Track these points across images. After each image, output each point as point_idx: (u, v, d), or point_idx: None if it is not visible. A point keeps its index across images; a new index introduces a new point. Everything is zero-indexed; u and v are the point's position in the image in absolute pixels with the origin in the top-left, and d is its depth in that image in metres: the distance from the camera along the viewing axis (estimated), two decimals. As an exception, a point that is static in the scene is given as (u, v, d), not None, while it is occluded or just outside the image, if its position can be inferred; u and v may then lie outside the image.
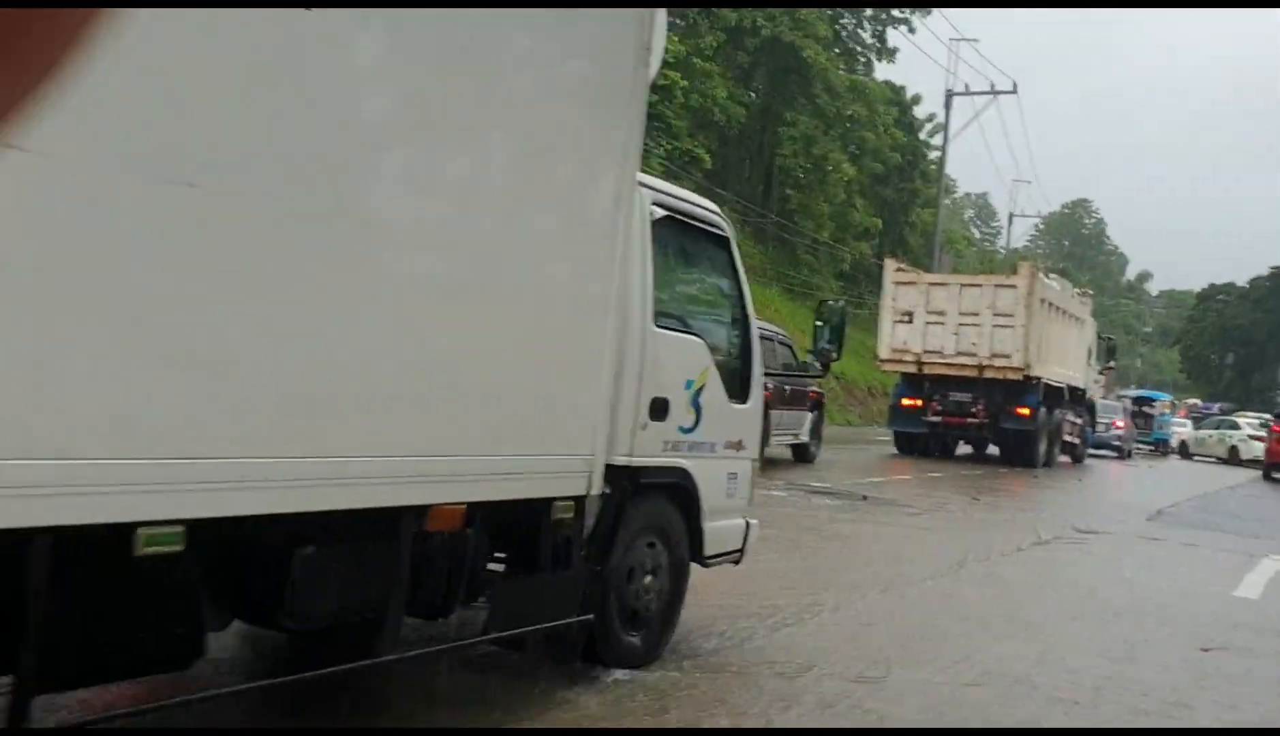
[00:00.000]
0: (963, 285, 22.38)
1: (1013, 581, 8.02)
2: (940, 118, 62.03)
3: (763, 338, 15.13)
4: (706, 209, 5.69)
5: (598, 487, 4.62)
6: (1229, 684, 5.64)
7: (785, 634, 5.92)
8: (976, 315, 21.63)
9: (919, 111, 57.41)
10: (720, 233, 5.72)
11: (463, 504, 3.99)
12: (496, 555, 4.54)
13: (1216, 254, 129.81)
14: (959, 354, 21.79)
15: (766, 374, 14.38)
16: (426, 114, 3.49)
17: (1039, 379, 21.70)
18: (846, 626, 6.21)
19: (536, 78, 3.98)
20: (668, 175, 35.99)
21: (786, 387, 15.37)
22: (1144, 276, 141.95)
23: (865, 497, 12.30)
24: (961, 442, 23.60)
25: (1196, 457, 36.52)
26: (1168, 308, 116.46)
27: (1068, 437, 25.27)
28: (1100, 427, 31.29)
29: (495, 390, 4.03)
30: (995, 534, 10.43)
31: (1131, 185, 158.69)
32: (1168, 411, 43.73)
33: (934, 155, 63.91)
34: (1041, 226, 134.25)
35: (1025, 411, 21.44)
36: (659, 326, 5.05)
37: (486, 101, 3.72)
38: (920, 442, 22.59)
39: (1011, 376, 21.31)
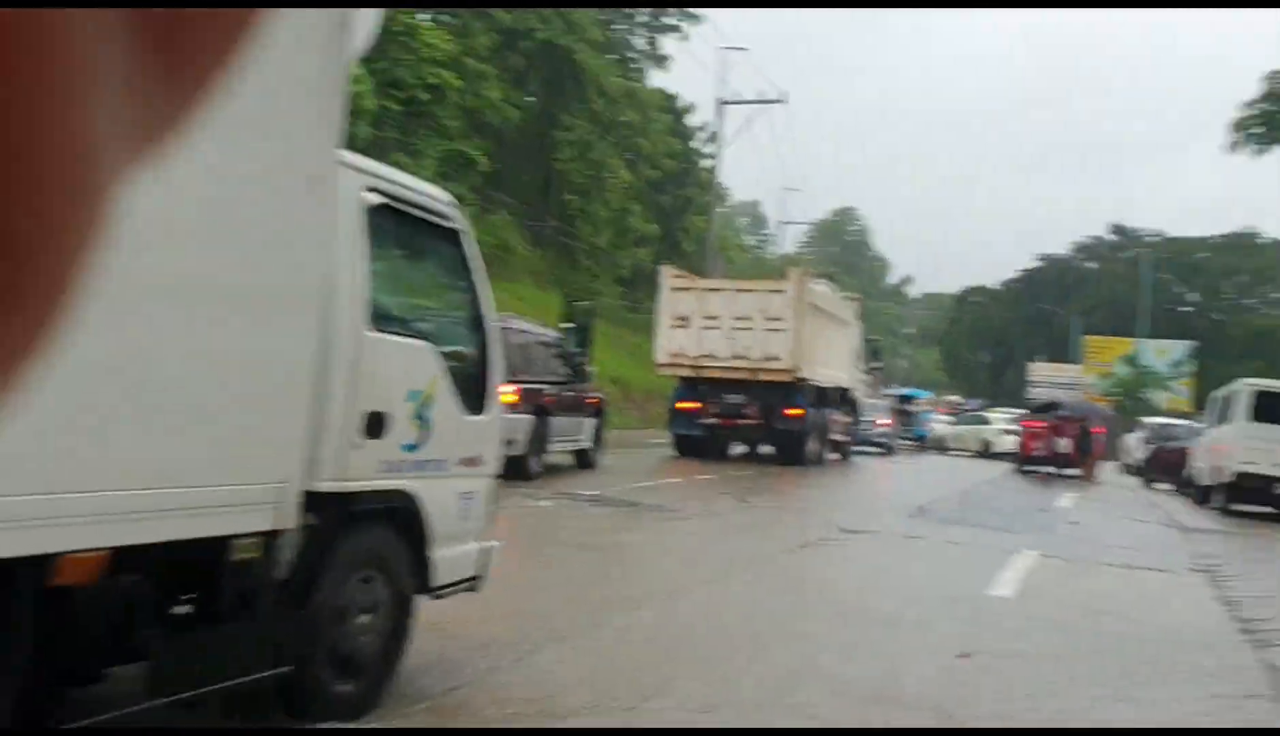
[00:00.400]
0: (736, 291, 22.69)
1: (778, 587, 7.79)
2: (714, 126, 63.94)
3: (541, 344, 14.79)
4: (434, 198, 5.09)
5: (292, 520, 3.95)
6: (991, 695, 5.48)
7: (531, 664, 5.38)
8: (749, 319, 21.94)
9: (693, 120, 58.36)
10: (451, 225, 5.13)
11: (103, 550, 3.26)
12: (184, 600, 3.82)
13: (973, 258, 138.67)
14: (733, 357, 22.05)
15: (547, 381, 14.20)
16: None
17: (808, 381, 22.18)
18: (602, 650, 5.75)
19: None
20: (440, 178, 35.06)
21: (566, 393, 15.28)
22: (906, 280, 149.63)
23: (634, 503, 11.96)
24: (739, 443, 23.78)
25: (952, 452, 38.13)
26: (928, 310, 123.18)
27: (836, 436, 25.93)
28: (866, 426, 32.44)
29: (150, 409, 3.31)
30: (763, 537, 10.27)
31: (893, 193, 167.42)
32: (928, 408, 45.83)
33: (707, 163, 65.49)
34: (811, 234, 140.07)
35: (796, 412, 21.86)
36: (377, 330, 4.44)
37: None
38: (698, 444, 22.67)
39: (782, 378, 21.72)
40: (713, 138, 63.69)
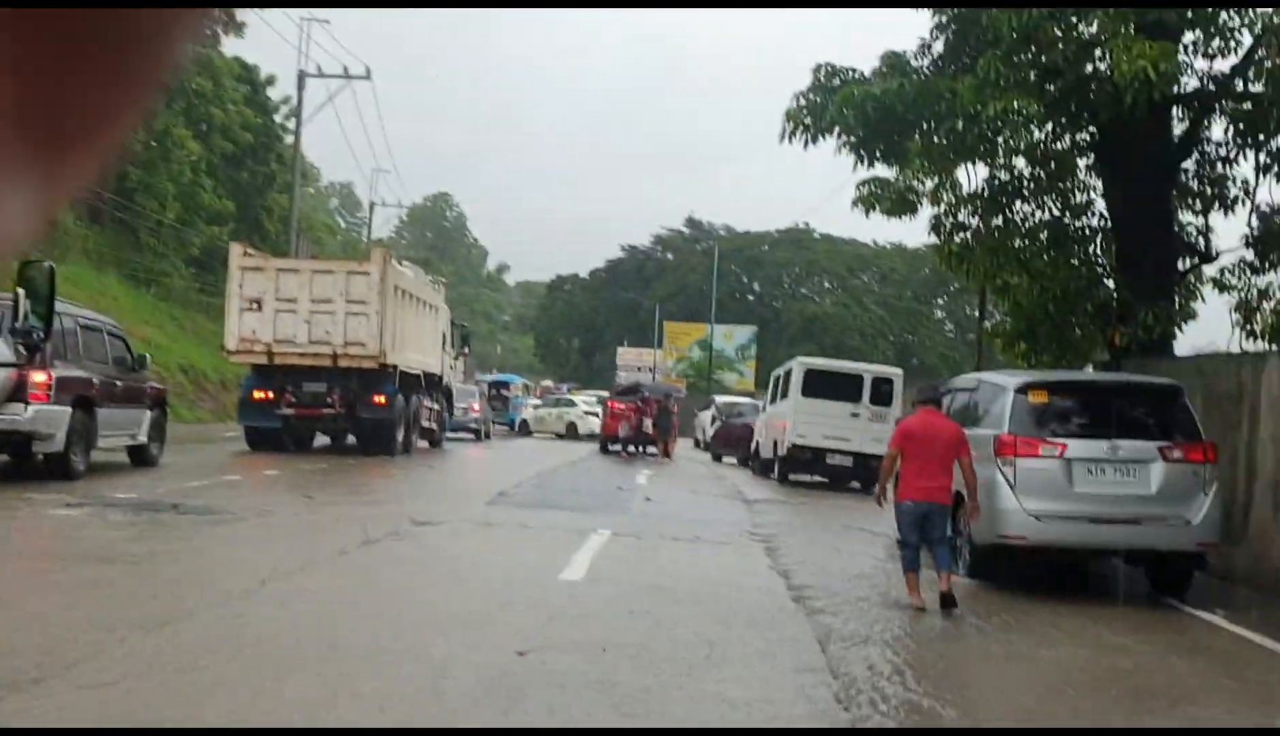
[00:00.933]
0: (314, 271, 21.33)
1: (321, 596, 6.96)
2: (296, 101, 60.76)
3: (89, 328, 13.26)
4: None
5: None
6: (547, 694, 5.04)
7: (21, 703, 4.26)
8: (330, 302, 20.76)
9: (275, 94, 55.07)
10: None
11: None
12: None
13: (569, 248, 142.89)
14: (312, 343, 20.77)
15: (93, 370, 12.78)
16: None
17: (395, 367, 21.40)
18: (111, 680, 4.69)
19: None
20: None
21: (118, 383, 14.11)
22: (503, 268, 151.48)
23: (176, 506, 10.58)
24: (323, 435, 22.54)
25: (537, 434, 38.78)
26: (524, 297, 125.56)
27: (426, 424, 25.30)
28: (458, 412, 32.12)
29: None
30: (319, 538, 9.37)
31: (493, 181, 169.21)
32: (521, 393, 46.37)
33: (291, 139, 62.25)
34: (405, 218, 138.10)
35: (382, 400, 21.01)
36: None
37: None
38: (274, 438, 21.29)
39: (367, 365, 20.78)
40: (295, 113, 60.99)
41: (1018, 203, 14.76)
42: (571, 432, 37.91)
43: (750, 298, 79.57)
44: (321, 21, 42.87)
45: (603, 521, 11.29)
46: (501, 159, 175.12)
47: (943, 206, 15.68)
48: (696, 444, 34.71)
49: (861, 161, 13.78)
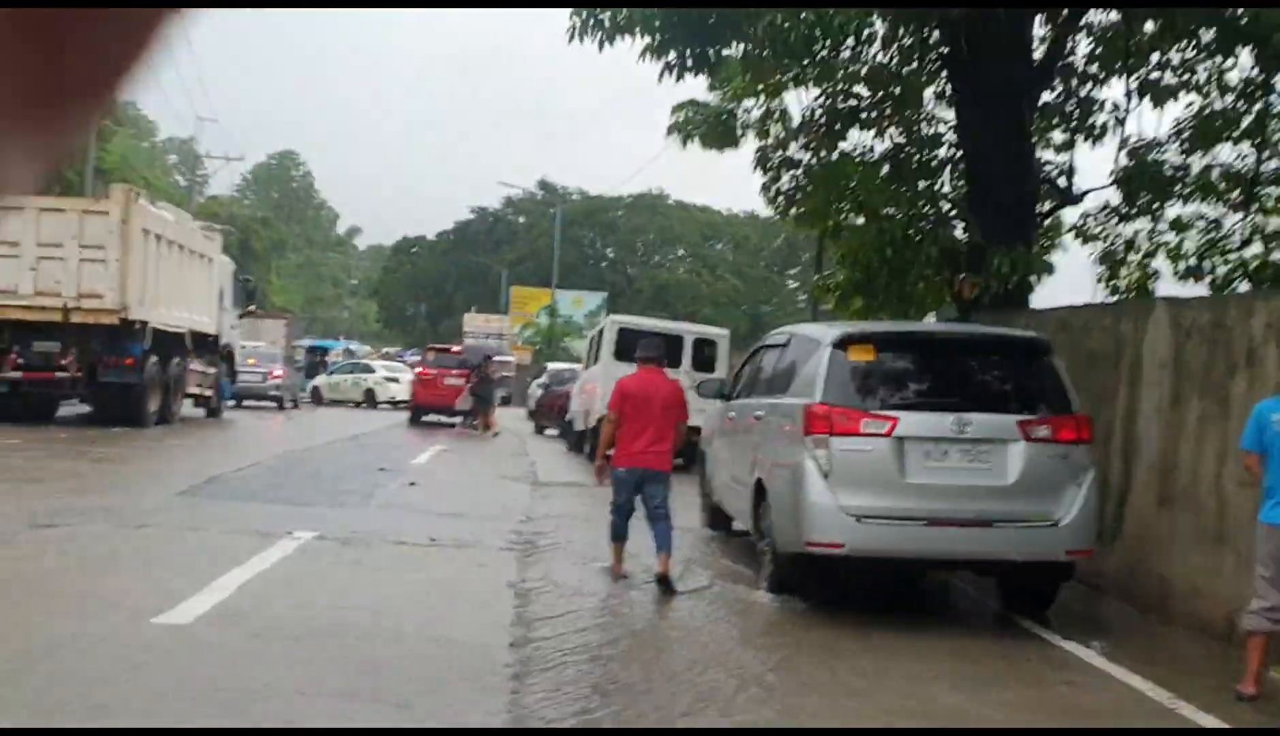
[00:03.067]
0: (42, 210, 17.65)
1: None
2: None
3: None
4: None
5: None
6: None
7: None
8: (60, 247, 17.51)
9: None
10: None
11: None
12: None
13: (422, 212, 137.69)
14: (39, 295, 17.46)
15: None
16: None
17: (145, 323, 18.18)
18: None
19: None
20: None
21: None
22: (354, 231, 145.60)
23: None
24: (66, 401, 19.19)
25: (332, 402, 35.80)
26: (374, 262, 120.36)
27: (197, 389, 22.26)
28: (255, 378, 28.89)
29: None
30: None
31: (345, 141, 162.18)
32: (339, 359, 43.32)
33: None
34: (249, 176, 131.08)
35: (129, 361, 17.88)
36: None
37: None
38: (2, 404, 17.80)
39: (106, 320, 17.51)
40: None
41: (855, 131, 12.52)
42: (369, 400, 35.26)
43: (603, 265, 77.21)
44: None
45: (316, 517, 8.54)
46: (352, 117, 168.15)
47: (770, 139, 13.37)
48: (528, 414, 32.10)
49: (670, 71, 11.26)
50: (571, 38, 10.95)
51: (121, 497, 9.07)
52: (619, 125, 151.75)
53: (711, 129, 12.77)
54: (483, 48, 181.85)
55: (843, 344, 6.77)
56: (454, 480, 12.43)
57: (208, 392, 22.86)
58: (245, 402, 29.39)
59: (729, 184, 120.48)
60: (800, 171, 13.14)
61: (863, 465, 6.42)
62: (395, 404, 33.09)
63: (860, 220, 12.11)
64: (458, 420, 25.76)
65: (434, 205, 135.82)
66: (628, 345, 15.99)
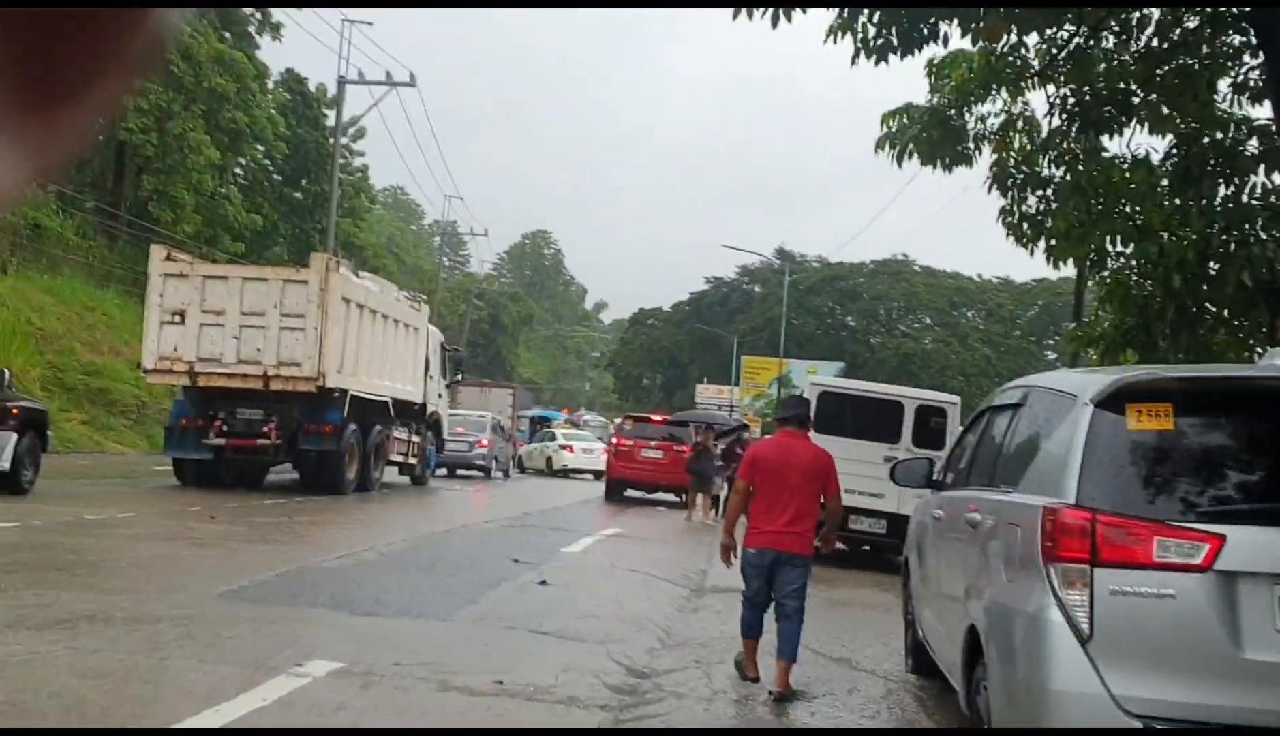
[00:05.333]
0: (245, 279, 18.01)
1: None
2: (363, 123, 57.75)
3: None
4: None
5: None
6: None
7: None
8: (262, 315, 17.49)
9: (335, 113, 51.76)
10: None
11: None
12: None
13: (663, 284, 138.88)
14: (241, 362, 17.46)
15: None
16: None
17: (345, 392, 18.02)
18: None
19: None
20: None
21: None
22: (600, 306, 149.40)
23: None
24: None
25: (529, 471, 35.62)
26: (616, 334, 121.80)
27: (400, 457, 21.95)
28: (462, 447, 28.02)
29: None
30: None
31: (592, 219, 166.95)
32: (562, 429, 42.55)
33: (359, 162, 59.24)
34: (504, 255, 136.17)
35: (327, 429, 17.75)
36: None
37: None
38: (209, 471, 17.91)
39: (304, 388, 17.33)
40: (361, 134, 57.97)
41: (1123, 132, 9.50)
42: (549, 468, 34.68)
43: (843, 334, 73.86)
44: (363, 24, 39.07)
45: (371, 637, 6.30)
46: (599, 199, 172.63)
47: (1012, 152, 10.49)
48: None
49: (867, 53, 8.65)
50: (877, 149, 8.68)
51: (158, 595, 7.18)
52: (860, 193, 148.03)
53: (932, 136, 10.01)
54: (722, 123, 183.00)
55: (1115, 401, 3.86)
56: (596, 580, 9.94)
57: (412, 461, 22.51)
58: (458, 471, 28.55)
59: (979, 249, 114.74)
60: (1050, 191, 10.17)
61: (1157, 622, 3.54)
62: (597, 475, 31.47)
63: (1133, 246, 9.02)
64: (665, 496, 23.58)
65: (674, 277, 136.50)
66: (832, 413, 13.20)
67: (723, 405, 61.55)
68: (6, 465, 13.23)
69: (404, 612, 7.18)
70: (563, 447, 35.01)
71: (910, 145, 10.18)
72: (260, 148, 45.73)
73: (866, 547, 13.94)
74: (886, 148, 10.29)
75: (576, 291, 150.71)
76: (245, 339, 17.43)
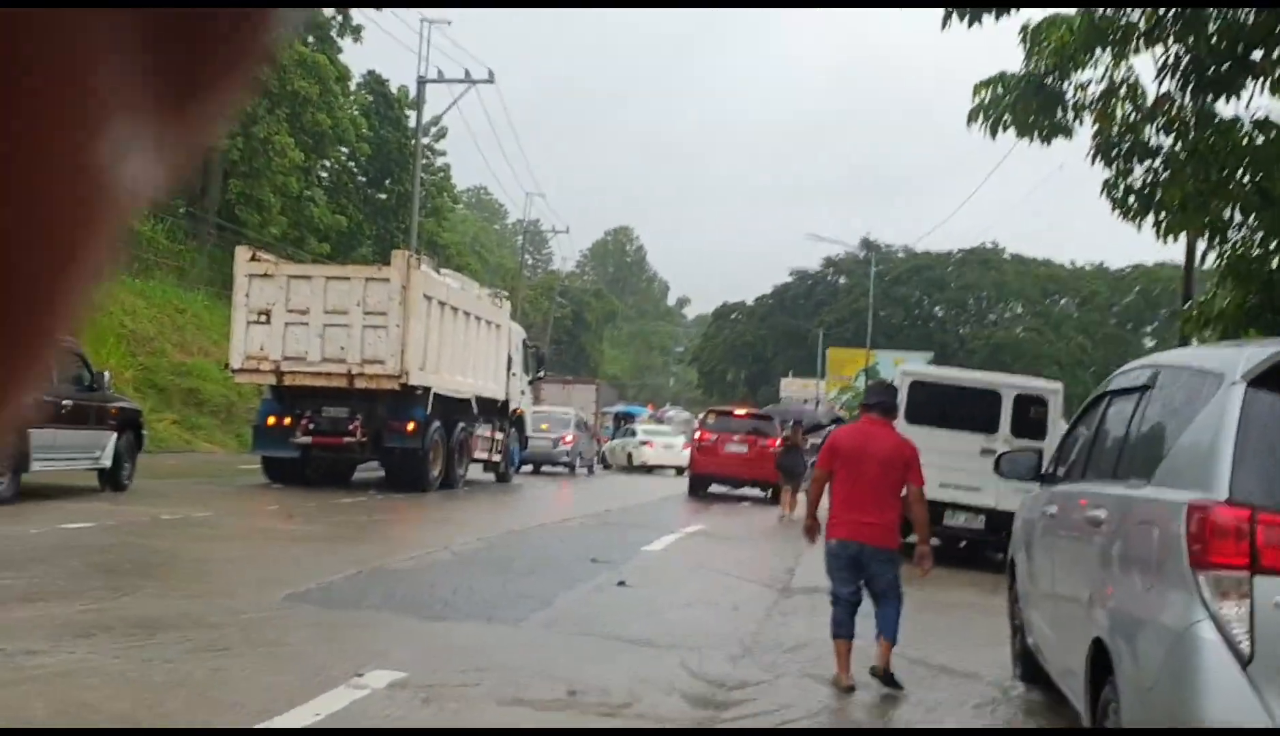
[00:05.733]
0: (328, 278, 18.23)
1: None
2: (444, 124, 58.06)
3: None
4: None
5: None
6: None
7: None
8: (345, 313, 17.60)
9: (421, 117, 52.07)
10: None
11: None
12: None
13: (748, 277, 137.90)
14: (325, 360, 17.59)
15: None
16: None
17: (428, 389, 18.03)
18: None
19: None
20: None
21: (64, 404, 13.00)
22: (683, 301, 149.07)
23: None
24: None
25: (613, 467, 35.30)
26: (699, 329, 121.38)
27: (484, 455, 21.86)
28: (546, 443, 27.84)
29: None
30: None
31: (673, 214, 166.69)
32: (645, 425, 42.11)
33: (441, 162, 59.62)
34: (586, 252, 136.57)
35: (410, 427, 17.70)
36: None
37: None
38: (296, 469, 18.05)
39: (387, 386, 17.39)
40: (444, 135, 58.32)
41: (1238, 87, 8.76)
42: (631, 464, 34.38)
43: (930, 324, 72.27)
44: (441, 23, 39.17)
45: (437, 643, 5.97)
46: (682, 194, 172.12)
47: (1116, 122, 9.78)
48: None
49: (960, 13, 8.05)
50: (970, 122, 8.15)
51: (221, 598, 6.93)
52: (951, 182, 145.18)
53: (1028, 105, 9.36)
54: (810, 115, 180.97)
55: (1273, 377, 3.33)
56: (678, 580, 9.49)
57: (496, 458, 22.46)
58: (543, 468, 28.41)
59: (1072, 235, 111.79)
60: (1159, 160, 9.45)
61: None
62: (679, 471, 31.00)
63: (1255, 216, 8.28)
64: (751, 492, 23.05)
65: (759, 271, 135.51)
66: (924, 403, 12.55)
67: (808, 399, 60.66)
68: (108, 463, 13.99)
69: (473, 616, 6.83)
70: (643, 443, 34.68)
71: (1005, 116, 9.54)
72: (344, 150, 46.23)
73: (963, 545, 13.24)
74: (980, 120, 9.67)
75: (659, 287, 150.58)
76: (329, 337, 17.54)
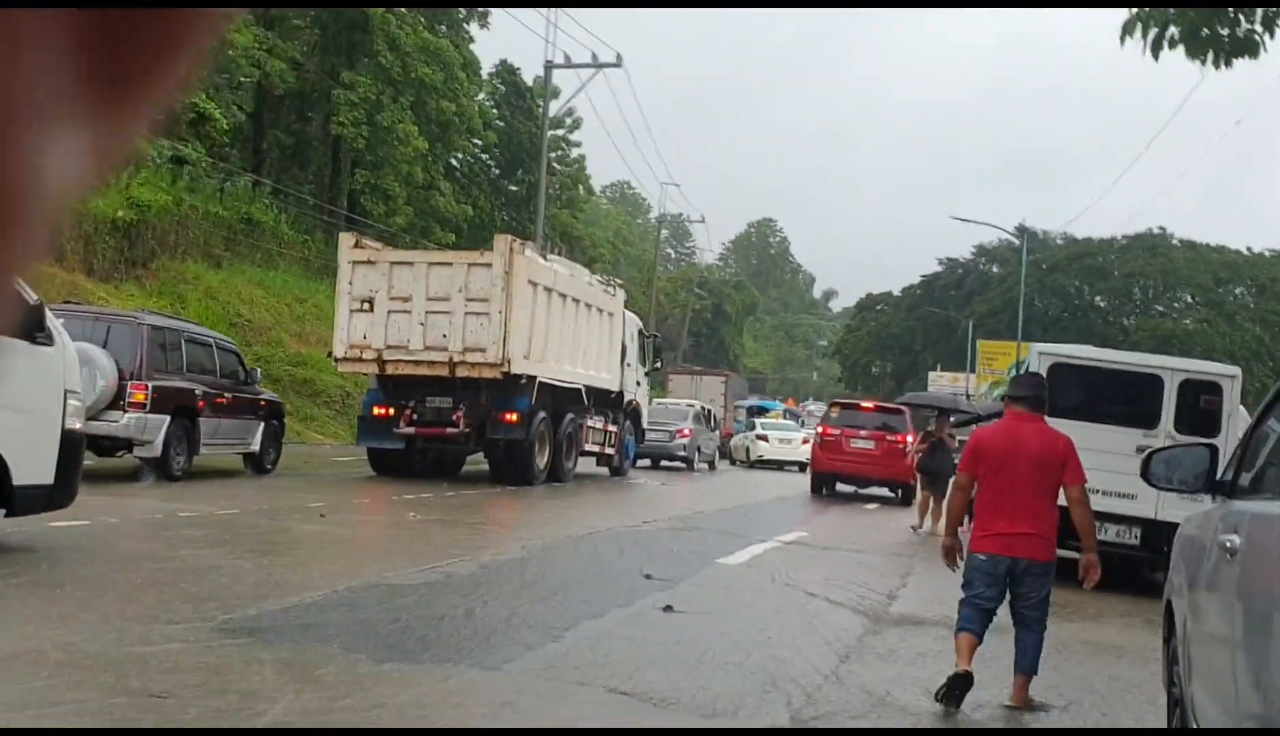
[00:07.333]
0: (430, 264, 17.66)
1: None
2: (577, 115, 57.24)
3: (196, 342, 14.53)
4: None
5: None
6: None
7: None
8: (447, 300, 17.06)
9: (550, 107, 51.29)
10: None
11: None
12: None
13: (903, 273, 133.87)
14: (427, 349, 17.07)
15: (197, 383, 13.89)
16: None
17: (532, 378, 17.36)
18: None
19: None
20: (152, 133, 27.97)
21: (225, 395, 14.69)
22: (829, 294, 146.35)
23: None
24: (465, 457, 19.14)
25: (738, 464, 33.99)
26: (843, 321, 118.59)
27: (595, 447, 21.02)
28: (662, 436, 26.45)
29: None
30: None
31: (818, 206, 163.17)
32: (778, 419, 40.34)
33: (576, 153, 58.85)
34: (729, 245, 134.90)
35: (514, 417, 17.10)
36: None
37: None
38: (401, 460, 17.64)
39: (488, 374, 16.81)
40: (578, 125, 57.56)
41: None
42: (748, 459, 33.28)
43: (1092, 315, 67.79)
44: (569, 10, 38.09)
45: (347, 698, 4.52)
46: (828, 185, 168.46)
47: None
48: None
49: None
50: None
51: (138, 627, 5.58)
52: (1112, 167, 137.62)
53: (1201, 17, 7.34)
54: (960, 103, 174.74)
55: None
56: (743, 603, 7.68)
57: (609, 451, 21.69)
58: (662, 462, 27.03)
59: (1249, 218, 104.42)
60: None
61: None
62: (802, 467, 29.07)
63: None
64: (879, 490, 21.11)
65: (907, 263, 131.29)
66: (1067, 391, 10.41)
67: (957, 393, 57.57)
68: (256, 448, 15.54)
69: (443, 657, 5.29)
70: (759, 438, 33.38)
71: (1170, 28, 7.50)
72: (478, 142, 45.75)
73: (1119, 562, 11.02)
74: (1136, 32, 7.66)
75: (804, 279, 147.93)
76: (431, 325, 17.06)
